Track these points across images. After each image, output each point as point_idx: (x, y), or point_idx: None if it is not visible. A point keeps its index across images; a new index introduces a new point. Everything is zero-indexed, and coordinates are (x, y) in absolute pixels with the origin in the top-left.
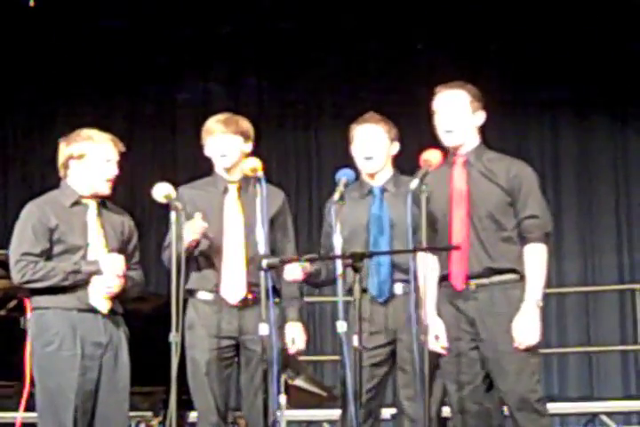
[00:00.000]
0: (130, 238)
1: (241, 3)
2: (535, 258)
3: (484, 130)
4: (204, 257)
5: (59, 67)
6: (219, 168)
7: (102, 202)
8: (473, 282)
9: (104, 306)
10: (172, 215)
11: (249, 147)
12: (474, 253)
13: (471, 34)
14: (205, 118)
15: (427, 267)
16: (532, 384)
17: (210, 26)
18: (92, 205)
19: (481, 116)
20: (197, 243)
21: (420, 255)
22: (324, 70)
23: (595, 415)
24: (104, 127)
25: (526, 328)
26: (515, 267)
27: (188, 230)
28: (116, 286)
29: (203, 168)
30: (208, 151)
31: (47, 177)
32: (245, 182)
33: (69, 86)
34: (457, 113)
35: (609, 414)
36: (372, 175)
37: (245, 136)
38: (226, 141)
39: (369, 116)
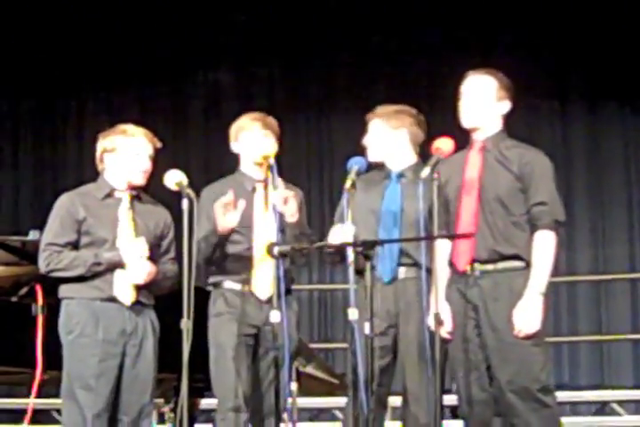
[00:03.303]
0: (165, 233)
1: None
2: (541, 245)
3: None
4: (235, 252)
5: (70, 58)
6: (246, 165)
7: (137, 196)
8: (477, 266)
9: (128, 298)
10: (185, 203)
11: (276, 148)
12: (481, 237)
13: (483, 24)
14: (216, 108)
15: (439, 252)
16: (534, 373)
17: (220, 15)
18: (125, 198)
19: (505, 106)
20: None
21: (437, 242)
22: (336, 59)
23: (605, 404)
24: (115, 117)
25: (526, 316)
26: (520, 253)
27: (223, 218)
28: (144, 271)
29: (213, 157)
30: (239, 147)
31: (60, 178)
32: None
33: (79, 77)
34: (480, 98)
35: (620, 403)
36: (390, 161)
37: (277, 137)
38: (263, 139)
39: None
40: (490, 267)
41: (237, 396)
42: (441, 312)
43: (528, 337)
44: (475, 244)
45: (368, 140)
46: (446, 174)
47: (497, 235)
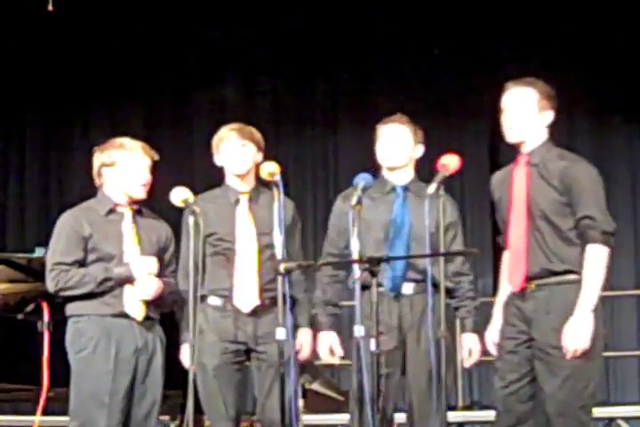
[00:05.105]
0: (167, 247)
1: (256, 5)
2: (590, 260)
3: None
4: (218, 265)
5: (74, 71)
6: (230, 177)
7: (138, 210)
8: (533, 283)
9: (139, 313)
10: (190, 219)
11: (260, 157)
12: (533, 255)
13: (486, 37)
14: (222, 122)
15: (503, 266)
16: (577, 389)
17: (225, 29)
18: (128, 213)
19: (549, 116)
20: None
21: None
22: (341, 73)
23: (612, 420)
24: (120, 131)
25: (575, 333)
26: (572, 268)
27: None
28: (152, 287)
29: (219, 173)
30: (221, 159)
31: (66, 195)
32: (255, 193)
33: (84, 92)
34: (521, 111)
35: (626, 419)
36: (392, 170)
37: (258, 146)
38: (241, 148)
39: (396, 117)
40: (543, 281)
41: (225, 418)
42: (492, 333)
43: (578, 356)
44: (527, 261)
45: (395, 148)
46: (499, 191)
47: (547, 252)
